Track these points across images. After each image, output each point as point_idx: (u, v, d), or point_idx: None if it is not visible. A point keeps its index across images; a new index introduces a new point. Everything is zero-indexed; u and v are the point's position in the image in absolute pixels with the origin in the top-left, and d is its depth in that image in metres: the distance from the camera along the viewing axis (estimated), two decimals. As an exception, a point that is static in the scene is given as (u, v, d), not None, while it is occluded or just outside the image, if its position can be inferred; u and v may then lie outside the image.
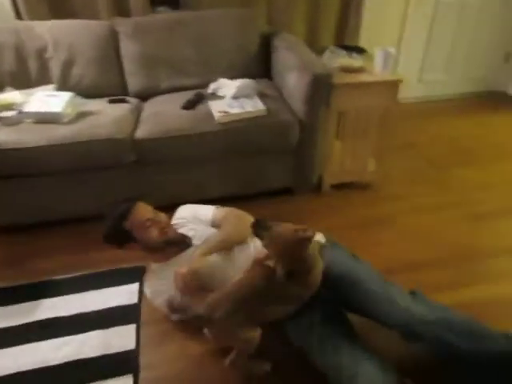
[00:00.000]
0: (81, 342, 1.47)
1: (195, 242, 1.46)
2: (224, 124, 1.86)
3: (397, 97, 1.98)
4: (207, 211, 1.50)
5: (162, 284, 1.47)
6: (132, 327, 1.51)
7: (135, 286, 1.68)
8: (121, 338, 1.47)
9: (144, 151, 1.85)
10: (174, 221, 1.54)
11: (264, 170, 2.06)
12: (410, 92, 3.20)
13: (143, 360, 1.40)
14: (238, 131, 1.87)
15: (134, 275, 1.73)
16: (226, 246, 1.38)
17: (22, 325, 1.54)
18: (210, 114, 1.92)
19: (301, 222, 2.02)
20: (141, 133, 1.85)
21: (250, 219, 1.42)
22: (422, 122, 2.98)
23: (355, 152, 2.15)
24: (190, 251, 1.44)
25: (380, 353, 1.20)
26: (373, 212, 2.08)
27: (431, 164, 2.47)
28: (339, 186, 2.25)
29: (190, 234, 1.48)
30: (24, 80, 2.15)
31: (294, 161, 2.06)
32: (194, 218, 1.49)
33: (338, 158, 2.16)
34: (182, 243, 1.49)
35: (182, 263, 1.39)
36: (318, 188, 2.23)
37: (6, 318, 1.57)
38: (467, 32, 3.05)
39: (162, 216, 1.54)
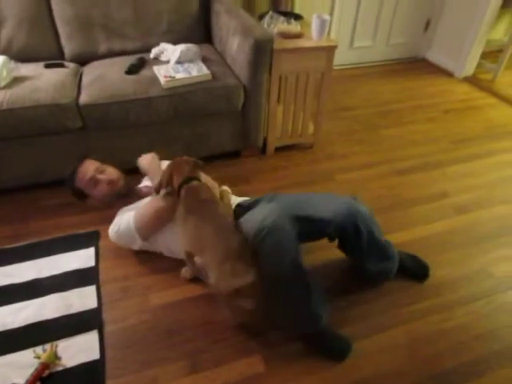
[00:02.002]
0: (40, 305, 1.49)
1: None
2: (170, 89, 1.89)
3: (332, 61, 2.12)
4: None
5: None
6: (92, 288, 1.56)
7: (91, 250, 1.71)
8: (81, 299, 1.52)
9: (89, 117, 1.83)
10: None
11: (211, 134, 2.13)
12: (341, 58, 3.40)
13: (107, 316, 1.48)
14: (184, 96, 1.91)
15: (88, 240, 1.76)
16: None
17: (-24, 295, 1.52)
18: (155, 79, 1.93)
19: (248, 182, 2.19)
20: (85, 98, 1.82)
21: None
22: (353, 87, 3.20)
23: (296, 115, 2.29)
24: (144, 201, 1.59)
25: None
26: (313, 171, 2.27)
27: (363, 125, 2.70)
28: (283, 148, 2.39)
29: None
30: None
31: (239, 124, 2.15)
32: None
33: (281, 122, 2.29)
34: (135, 194, 1.65)
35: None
36: (263, 150, 2.36)
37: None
38: (391, 0, 3.26)
39: (110, 171, 1.63)
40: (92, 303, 1.51)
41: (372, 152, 2.44)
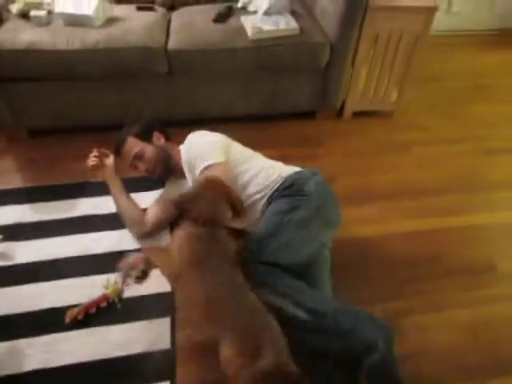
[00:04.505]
0: (119, 236, 1.61)
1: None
2: (256, 41, 1.85)
3: (430, 24, 1.95)
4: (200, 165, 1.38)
5: None
6: (165, 225, 1.65)
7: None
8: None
9: (176, 62, 1.86)
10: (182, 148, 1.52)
11: (289, 91, 2.09)
12: (436, 23, 3.07)
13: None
14: (269, 49, 1.87)
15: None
16: None
17: (66, 218, 1.69)
18: (242, 29, 1.90)
19: (320, 145, 2.14)
20: (173, 43, 1.85)
21: None
22: (447, 56, 2.93)
23: (380, 80, 2.16)
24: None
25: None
26: (390, 140, 2.16)
27: (452, 98, 2.49)
28: (361, 113, 2.29)
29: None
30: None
31: (320, 83, 2.08)
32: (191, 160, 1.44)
33: (363, 85, 2.18)
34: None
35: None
36: (339, 113, 2.28)
37: (50, 212, 1.71)
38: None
39: (148, 157, 1.54)
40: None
41: (458, 127, 2.26)
